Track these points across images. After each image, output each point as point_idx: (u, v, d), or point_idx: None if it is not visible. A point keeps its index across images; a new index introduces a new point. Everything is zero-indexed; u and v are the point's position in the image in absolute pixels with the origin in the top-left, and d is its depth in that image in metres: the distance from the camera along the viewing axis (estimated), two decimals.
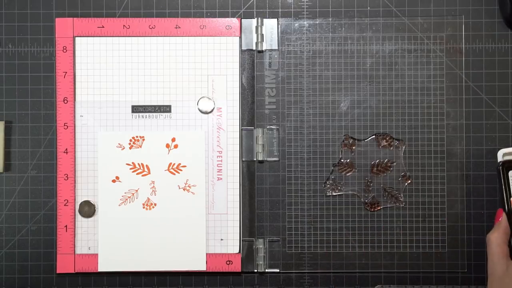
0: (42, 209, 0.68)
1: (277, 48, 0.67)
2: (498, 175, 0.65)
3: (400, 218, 0.67)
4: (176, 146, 0.67)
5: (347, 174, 0.68)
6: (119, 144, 0.67)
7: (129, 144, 0.67)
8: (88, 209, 0.67)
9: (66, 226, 0.67)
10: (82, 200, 0.67)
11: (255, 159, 0.67)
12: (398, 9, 0.68)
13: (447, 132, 0.67)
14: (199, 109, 0.67)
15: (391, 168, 0.67)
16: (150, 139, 0.67)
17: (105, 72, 0.67)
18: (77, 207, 0.67)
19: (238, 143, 0.67)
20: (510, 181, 0.64)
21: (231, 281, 0.68)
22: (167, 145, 0.67)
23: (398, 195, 0.67)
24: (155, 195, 0.67)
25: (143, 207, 0.67)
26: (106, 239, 0.67)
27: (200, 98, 0.67)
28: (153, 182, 0.67)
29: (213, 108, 0.67)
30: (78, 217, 0.67)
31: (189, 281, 0.68)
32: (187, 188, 0.67)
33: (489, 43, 0.68)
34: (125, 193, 0.67)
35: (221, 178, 0.67)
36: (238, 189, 0.67)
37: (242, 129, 0.67)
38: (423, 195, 0.67)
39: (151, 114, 0.67)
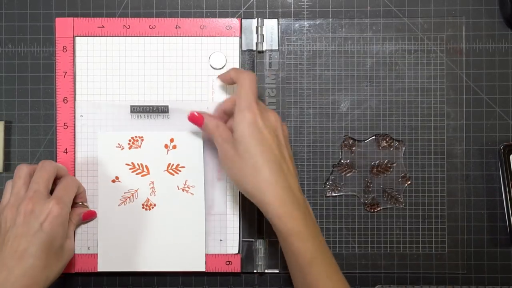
0: None
1: (277, 48, 0.67)
2: (499, 158, 0.66)
3: (400, 219, 0.67)
4: (174, 147, 0.67)
5: (347, 175, 0.67)
6: (118, 144, 0.67)
7: (129, 144, 0.67)
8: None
9: None
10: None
11: None
12: (398, 9, 0.68)
13: (447, 132, 0.67)
14: (210, 65, 0.67)
15: (391, 169, 0.67)
16: (149, 140, 0.67)
17: (105, 72, 0.67)
18: (77, 230, 0.67)
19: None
20: (511, 165, 0.65)
21: (230, 282, 0.68)
22: (166, 146, 0.67)
23: (398, 195, 0.67)
24: (154, 195, 0.67)
25: (143, 208, 0.66)
26: (105, 239, 0.66)
27: (212, 53, 0.67)
28: (152, 182, 0.67)
29: (225, 64, 0.67)
30: None
31: (189, 282, 0.68)
32: (186, 188, 0.67)
33: (489, 43, 0.68)
34: (124, 193, 0.67)
35: (221, 179, 0.67)
36: (238, 190, 0.67)
37: None
38: (423, 196, 0.67)
39: (150, 114, 0.67)
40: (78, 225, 0.66)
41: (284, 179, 0.55)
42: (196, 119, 0.61)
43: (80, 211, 0.65)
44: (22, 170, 0.61)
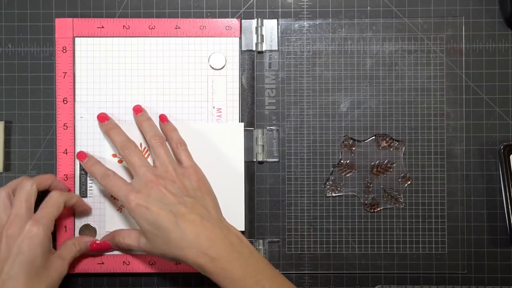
0: None
1: (277, 48, 0.67)
2: (499, 158, 0.66)
3: (400, 219, 0.67)
4: None
5: (347, 175, 0.67)
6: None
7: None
8: (88, 233, 0.67)
9: (65, 226, 0.67)
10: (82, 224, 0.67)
11: (255, 160, 0.67)
12: (398, 9, 0.68)
13: (447, 132, 0.67)
14: (210, 65, 0.67)
15: (391, 169, 0.67)
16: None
17: (105, 72, 0.67)
18: (77, 231, 0.67)
19: (240, 143, 0.67)
20: (511, 165, 0.66)
21: None
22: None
23: (398, 196, 0.67)
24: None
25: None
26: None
27: (212, 54, 0.67)
28: None
29: (225, 64, 0.67)
30: (78, 217, 0.67)
31: (189, 282, 0.68)
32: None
33: (490, 43, 0.68)
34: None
35: None
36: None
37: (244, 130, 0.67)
38: (423, 196, 0.67)
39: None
40: (84, 252, 0.65)
41: (186, 235, 0.57)
42: (99, 248, 0.66)
43: (87, 240, 0.65)
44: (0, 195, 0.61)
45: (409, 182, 0.67)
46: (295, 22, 0.68)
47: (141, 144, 0.66)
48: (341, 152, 0.68)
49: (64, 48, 0.67)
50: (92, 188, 0.67)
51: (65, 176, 0.67)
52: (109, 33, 0.67)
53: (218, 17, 0.68)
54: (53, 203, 0.61)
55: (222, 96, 0.67)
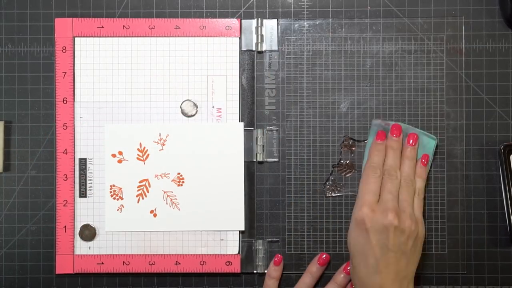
0: (42, 209, 0.68)
1: (277, 48, 0.67)
2: (499, 158, 0.66)
3: None
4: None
5: (347, 175, 0.67)
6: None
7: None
8: (88, 233, 0.67)
9: (65, 226, 0.67)
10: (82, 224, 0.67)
11: (254, 160, 0.67)
12: (398, 9, 0.68)
13: (447, 132, 0.67)
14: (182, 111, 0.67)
15: None
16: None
17: (105, 72, 0.67)
18: (77, 231, 0.67)
19: (240, 142, 0.67)
20: (511, 165, 0.66)
21: (230, 282, 0.68)
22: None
23: None
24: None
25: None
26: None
27: (184, 101, 0.67)
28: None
29: (196, 112, 0.67)
30: (77, 217, 0.67)
31: (189, 282, 0.68)
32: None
33: (490, 43, 0.68)
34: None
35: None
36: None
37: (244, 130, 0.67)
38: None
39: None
40: None
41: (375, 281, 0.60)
42: None
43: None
44: None
45: None
46: (295, 22, 0.68)
47: (140, 144, 0.66)
48: (341, 152, 0.68)
49: (64, 48, 0.67)
50: (92, 188, 0.67)
51: (65, 176, 0.67)
52: (109, 33, 0.67)
53: (218, 17, 0.68)
54: None
55: (222, 96, 0.67)
